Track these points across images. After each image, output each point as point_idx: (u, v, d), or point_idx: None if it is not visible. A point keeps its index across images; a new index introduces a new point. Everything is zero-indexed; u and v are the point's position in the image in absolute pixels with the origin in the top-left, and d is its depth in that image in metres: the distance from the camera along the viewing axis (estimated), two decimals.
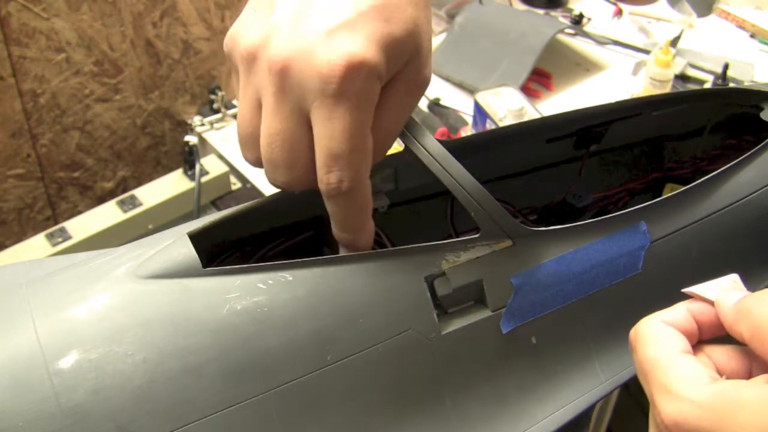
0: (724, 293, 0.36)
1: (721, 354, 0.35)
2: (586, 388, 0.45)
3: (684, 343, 0.35)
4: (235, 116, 1.23)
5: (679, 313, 0.36)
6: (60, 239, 0.98)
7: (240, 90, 0.39)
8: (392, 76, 0.38)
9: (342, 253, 0.43)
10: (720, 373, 0.35)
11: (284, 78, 0.36)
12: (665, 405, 0.33)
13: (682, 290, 0.38)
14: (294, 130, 0.37)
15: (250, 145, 0.40)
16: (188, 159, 1.09)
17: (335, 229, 0.41)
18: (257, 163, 0.40)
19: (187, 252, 0.40)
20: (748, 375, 0.35)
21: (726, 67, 1.23)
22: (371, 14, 0.36)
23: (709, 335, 0.37)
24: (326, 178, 0.37)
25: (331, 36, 0.36)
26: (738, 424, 0.31)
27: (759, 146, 0.51)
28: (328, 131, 0.36)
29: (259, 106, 0.38)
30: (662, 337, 0.35)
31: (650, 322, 0.36)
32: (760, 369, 0.34)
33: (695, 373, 0.34)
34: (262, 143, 0.38)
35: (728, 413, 0.31)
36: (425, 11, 0.39)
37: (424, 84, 0.40)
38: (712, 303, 0.37)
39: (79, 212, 1.14)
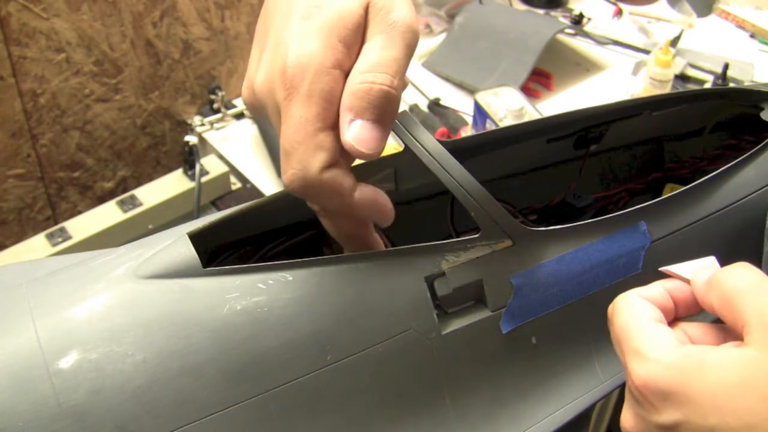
0: (700, 272, 0.37)
1: (696, 330, 0.36)
2: (586, 388, 0.45)
3: (657, 313, 0.36)
4: (234, 116, 1.23)
5: (656, 289, 0.38)
6: (60, 239, 0.98)
7: None
8: (362, 32, 0.37)
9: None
10: None
11: (262, 108, 0.38)
12: (635, 367, 0.34)
13: (659, 269, 0.39)
14: None
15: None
16: (188, 159, 1.09)
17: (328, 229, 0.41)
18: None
19: (187, 252, 0.40)
20: None
21: (726, 67, 1.23)
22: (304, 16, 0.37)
23: (685, 313, 0.38)
24: (283, 179, 0.37)
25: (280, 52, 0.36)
26: (703, 382, 0.32)
27: (759, 146, 0.51)
28: (282, 133, 0.36)
29: None
30: (636, 307, 0.37)
31: (626, 295, 0.38)
32: None
33: (665, 337, 0.35)
34: None
35: (693, 372, 0.32)
36: None
37: (397, 21, 0.38)
38: (688, 282, 0.37)
39: (79, 212, 1.14)
